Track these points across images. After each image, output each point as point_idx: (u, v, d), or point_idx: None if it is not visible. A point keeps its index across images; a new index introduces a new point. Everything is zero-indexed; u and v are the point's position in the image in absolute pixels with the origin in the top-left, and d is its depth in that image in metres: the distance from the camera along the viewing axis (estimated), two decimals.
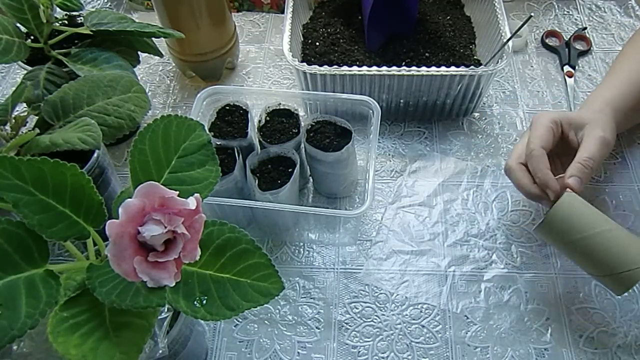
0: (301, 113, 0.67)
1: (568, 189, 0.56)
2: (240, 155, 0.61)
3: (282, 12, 0.76)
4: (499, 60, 0.68)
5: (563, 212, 0.54)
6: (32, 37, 0.64)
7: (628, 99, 0.65)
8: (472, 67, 0.67)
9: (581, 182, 0.56)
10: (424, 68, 0.68)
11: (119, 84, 0.55)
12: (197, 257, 0.35)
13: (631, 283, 0.52)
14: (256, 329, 0.59)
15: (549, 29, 0.88)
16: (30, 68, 0.61)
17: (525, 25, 0.76)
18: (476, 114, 0.77)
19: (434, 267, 0.63)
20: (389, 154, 0.74)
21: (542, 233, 0.57)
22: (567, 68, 0.82)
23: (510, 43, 0.68)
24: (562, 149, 0.61)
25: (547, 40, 0.86)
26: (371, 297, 0.61)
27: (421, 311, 0.60)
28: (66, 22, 0.67)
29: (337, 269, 0.64)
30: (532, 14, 0.71)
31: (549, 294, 0.61)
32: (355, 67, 0.68)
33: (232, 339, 0.59)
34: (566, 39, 0.86)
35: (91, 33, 0.62)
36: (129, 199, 0.33)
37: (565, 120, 0.60)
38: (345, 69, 0.67)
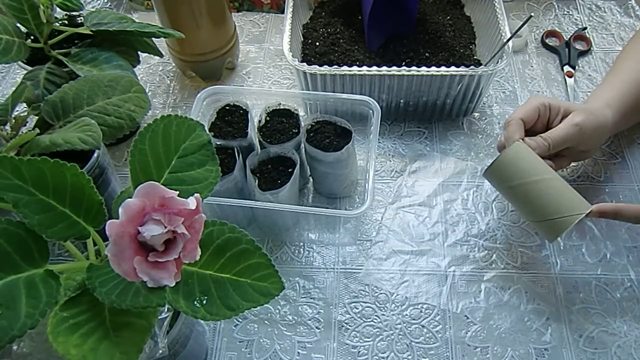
0: (301, 113, 0.67)
1: (520, 140, 0.59)
2: (240, 155, 0.61)
3: (282, 12, 0.76)
4: (499, 60, 0.68)
5: (510, 158, 0.57)
6: (32, 37, 0.64)
7: (628, 98, 0.65)
8: (472, 67, 0.67)
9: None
10: (424, 68, 0.68)
11: (119, 84, 0.55)
12: (197, 257, 0.35)
13: (561, 229, 0.55)
14: (256, 329, 0.59)
15: (549, 29, 0.88)
16: (30, 68, 0.61)
17: (525, 25, 0.76)
18: (476, 114, 0.77)
19: (434, 267, 0.63)
20: (389, 154, 0.74)
21: (490, 176, 0.60)
22: (567, 68, 0.82)
23: (510, 43, 0.68)
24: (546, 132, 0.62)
25: (547, 40, 0.86)
26: (371, 297, 0.61)
27: (421, 311, 0.60)
28: (66, 22, 0.67)
29: (337, 269, 0.64)
30: (532, 14, 0.71)
31: (549, 294, 0.61)
32: (355, 67, 0.68)
33: (232, 339, 0.59)
34: (566, 39, 0.86)
35: (91, 33, 0.62)
36: (129, 199, 0.33)
37: (555, 105, 0.62)
38: (345, 69, 0.67)
